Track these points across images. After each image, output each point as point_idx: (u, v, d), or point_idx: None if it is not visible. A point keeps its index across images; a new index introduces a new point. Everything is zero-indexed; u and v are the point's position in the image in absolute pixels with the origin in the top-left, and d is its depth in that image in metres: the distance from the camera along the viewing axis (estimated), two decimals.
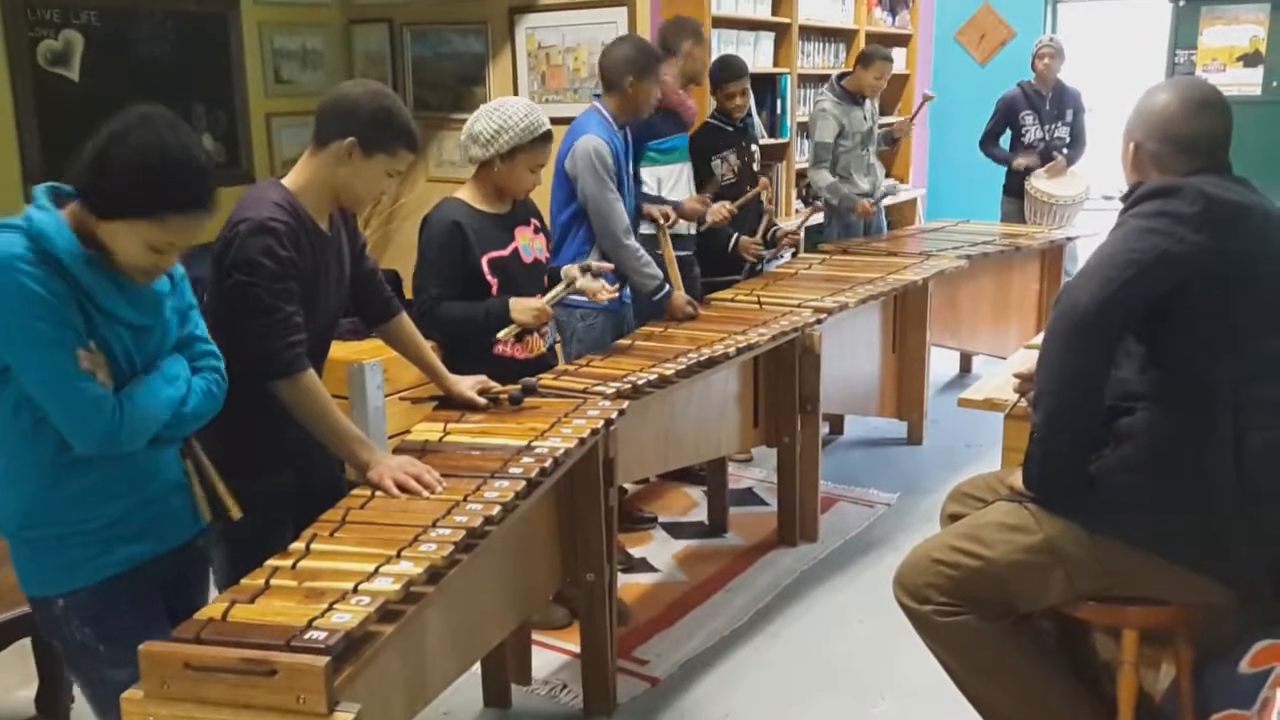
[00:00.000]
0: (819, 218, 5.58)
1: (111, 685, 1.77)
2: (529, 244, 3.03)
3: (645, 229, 3.85)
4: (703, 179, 4.35)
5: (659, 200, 3.94)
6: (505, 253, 2.95)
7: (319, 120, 2.25)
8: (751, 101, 4.76)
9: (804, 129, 6.02)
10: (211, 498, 2.01)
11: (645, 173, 4.02)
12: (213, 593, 2.14)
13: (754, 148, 4.65)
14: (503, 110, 2.89)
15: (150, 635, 1.66)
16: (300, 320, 2.18)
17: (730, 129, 4.49)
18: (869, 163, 5.32)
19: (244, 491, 2.08)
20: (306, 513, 2.10)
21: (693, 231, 4.19)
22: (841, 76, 5.29)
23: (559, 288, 3.03)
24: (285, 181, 2.26)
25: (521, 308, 2.86)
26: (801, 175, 6.13)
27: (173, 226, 1.74)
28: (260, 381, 2.15)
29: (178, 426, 1.87)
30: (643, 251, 3.59)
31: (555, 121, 3.55)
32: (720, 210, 4.13)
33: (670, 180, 4.09)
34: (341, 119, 2.21)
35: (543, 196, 3.35)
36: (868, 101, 5.30)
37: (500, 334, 2.86)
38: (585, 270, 3.07)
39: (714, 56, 4.55)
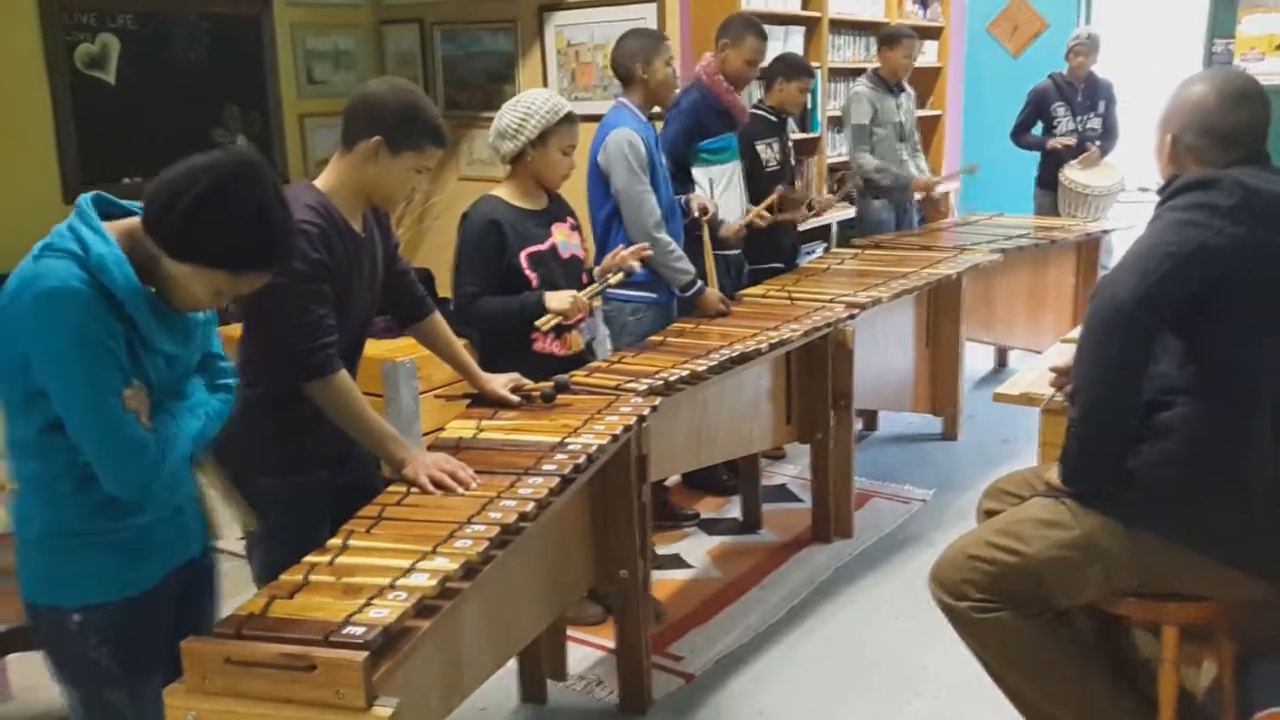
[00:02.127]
0: (850, 211, 5.56)
1: (110, 708, 1.77)
2: (566, 240, 3.05)
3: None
4: (759, 193, 4.34)
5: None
6: (544, 247, 2.97)
7: (346, 121, 2.26)
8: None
9: (835, 123, 6.00)
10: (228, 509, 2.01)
11: (697, 173, 4.02)
12: (251, 589, 2.16)
13: (790, 142, 4.67)
14: (524, 101, 2.92)
15: (161, 662, 1.65)
16: (332, 322, 2.19)
17: (774, 120, 4.50)
18: (903, 158, 5.29)
19: (281, 489, 2.09)
20: (343, 510, 2.11)
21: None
22: (876, 69, 5.29)
23: (597, 284, 3.06)
24: (317, 183, 2.28)
25: (557, 298, 2.88)
26: (833, 170, 6.11)
27: (246, 280, 1.73)
28: (293, 383, 2.17)
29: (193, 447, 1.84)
30: (674, 245, 3.60)
31: (585, 119, 3.57)
32: (757, 219, 4.15)
33: (722, 181, 4.09)
34: (368, 119, 2.22)
35: (578, 196, 3.37)
36: (904, 95, 5.28)
37: (538, 322, 2.87)
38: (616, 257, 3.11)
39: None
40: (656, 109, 3.76)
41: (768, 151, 4.45)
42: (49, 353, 1.61)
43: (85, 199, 1.70)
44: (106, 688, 1.78)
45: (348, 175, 2.25)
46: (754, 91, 4.95)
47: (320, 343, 2.16)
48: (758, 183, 4.38)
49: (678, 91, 3.85)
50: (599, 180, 3.54)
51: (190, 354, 1.84)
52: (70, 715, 1.85)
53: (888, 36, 5.23)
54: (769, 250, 4.43)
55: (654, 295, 3.62)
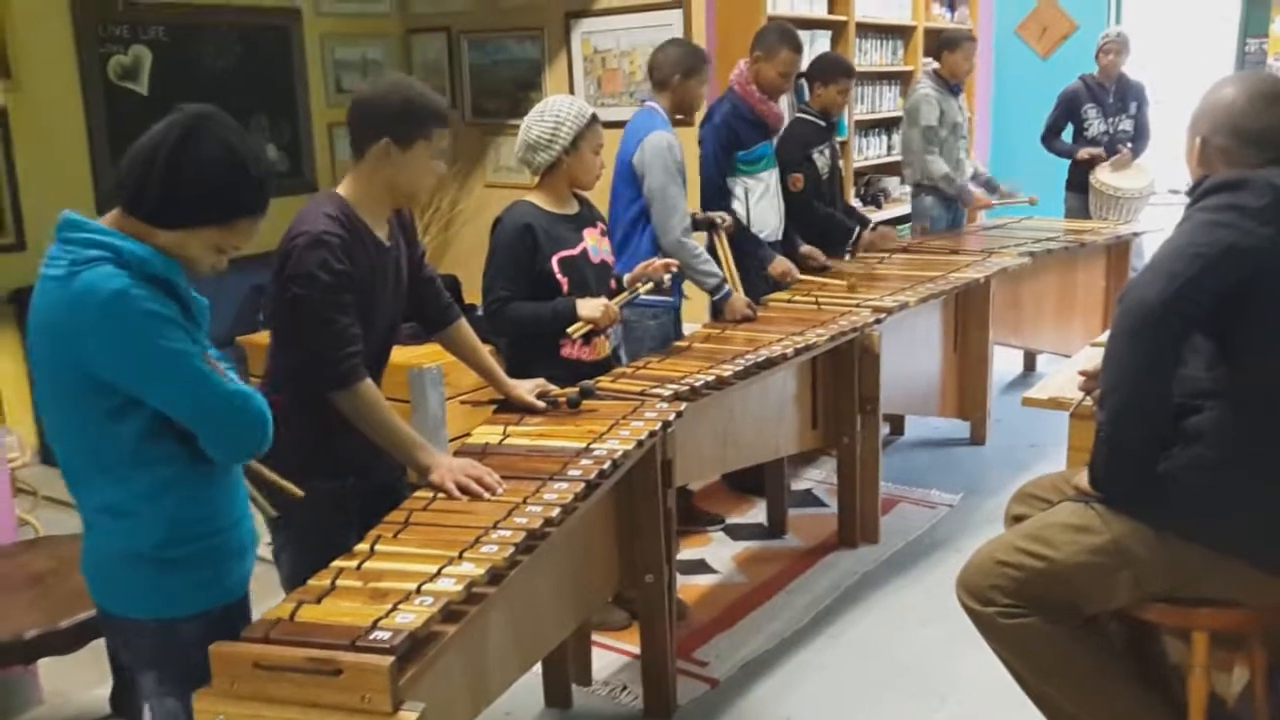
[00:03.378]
0: (886, 213, 5.55)
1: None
2: (597, 245, 3.07)
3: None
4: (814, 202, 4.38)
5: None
6: (575, 252, 2.98)
7: (351, 132, 2.28)
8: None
9: (862, 128, 5.98)
10: (269, 491, 2.04)
11: (734, 183, 4.02)
12: (279, 594, 2.18)
13: (838, 145, 4.67)
14: (550, 110, 2.94)
15: None
16: (357, 332, 2.21)
17: (823, 124, 4.48)
18: (959, 158, 5.28)
19: (310, 494, 2.11)
20: (368, 515, 2.14)
21: (779, 236, 4.20)
22: (936, 69, 5.29)
23: (627, 293, 3.08)
24: (340, 191, 2.30)
25: (589, 305, 2.90)
26: (860, 174, 6.10)
27: (241, 230, 1.75)
28: (319, 392, 2.20)
29: None
30: (700, 249, 3.62)
31: (611, 125, 3.58)
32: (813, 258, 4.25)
33: (758, 190, 4.08)
34: (369, 123, 2.24)
35: (601, 200, 3.39)
36: (961, 95, 5.29)
37: (570, 329, 2.89)
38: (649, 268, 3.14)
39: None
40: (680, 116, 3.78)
41: (821, 159, 4.44)
42: (135, 351, 1.64)
43: (65, 215, 1.70)
44: (191, 694, 1.77)
45: (366, 182, 2.28)
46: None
47: (346, 352, 2.18)
48: (815, 195, 4.37)
49: (708, 105, 3.87)
50: (630, 181, 3.55)
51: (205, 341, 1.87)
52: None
53: (948, 40, 5.25)
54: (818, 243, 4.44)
55: (671, 300, 3.65)
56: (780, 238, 4.21)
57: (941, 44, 5.29)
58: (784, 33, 4.03)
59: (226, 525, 1.82)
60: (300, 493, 2.09)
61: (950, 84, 5.22)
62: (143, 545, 1.75)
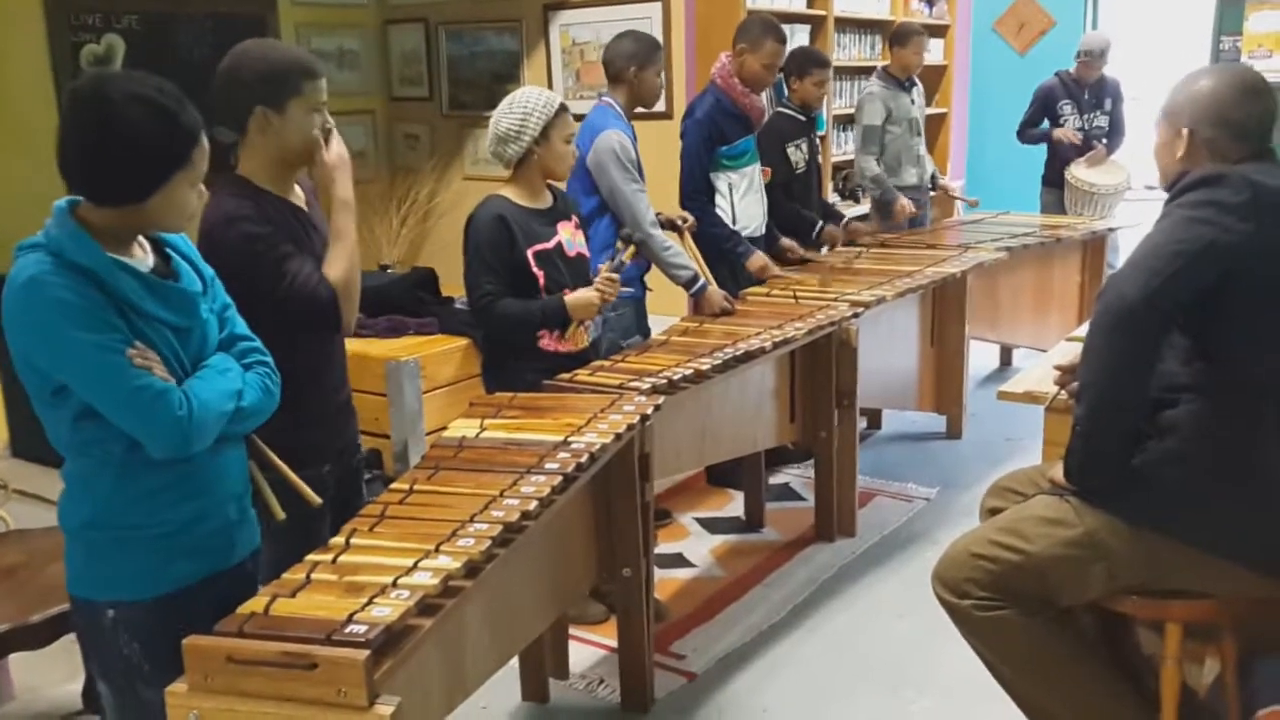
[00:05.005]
0: (864, 207, 5.55)
1: (145, 706, 1.77)
2: (571, 238, 3.06)
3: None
4: (789, 198, 4.37)
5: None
6: (549, 245, 2.98)
7: (222, 114, 2.23)
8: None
9: (840, 122, 5.99)
10: (282, 491, 2.01)
11: (717, 179, 4.01)
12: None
13: (817, 140, 4.66)
14: (518, 102, 2.94)
15: None
16: (312, 268, 2.18)
17: (802, 119, 4.48)
18: (918, 154, 5.28)
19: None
20: (340, 504, 2.16)
21: (762, 231, 4.20)
22: (886, 66, 5.27)
23: (606, 267, 3.09)
24: (238, 172, 2.25)
25: (579, 304, 2.93)
26: (839, 169, 6.11)
27: (199, 157, 1.73)
28: (322, 328, 2.20)
29: (238, 423, 1.84)
30: (671, 243, 3.63)
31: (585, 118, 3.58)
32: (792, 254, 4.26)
33: (742, 185, 4.07)
34: (237, 99, 2.19)
35: None
36: (916, 89, 5.27)
37: (566, 334, 2.98)
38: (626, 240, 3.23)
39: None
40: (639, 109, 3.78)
41: (796, 154, 4.44)
42: (45, 338, 1.65)
43: (60, 203, 1.72)
44: (139, 684, 1.80)
45: (259, 154, 2.23)
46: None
47: (317, 284, 2.15)
48: (787, 188, 4.38)
49: (690, 99, 3.86)
50: (584, 177, 3.56)
51: (203, 325, 1.83)
52: (105, 709, 1.88)
53: (897, 34, 5.22)
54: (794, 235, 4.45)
55: (632, 291, 3.65)
56: (763, 233, 4.21)
57: (891, 39, 5.26)
58: (767, 24, 4.02)
59: (167, 520, 1.78)
60: (318, 500, 2.06)
61: (901, 80, 5.20)
62: (71, 522, 1.79)
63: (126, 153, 1.66)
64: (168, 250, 1.83)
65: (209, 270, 1.91)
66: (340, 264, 2.19)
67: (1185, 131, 2.11)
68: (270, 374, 1.92)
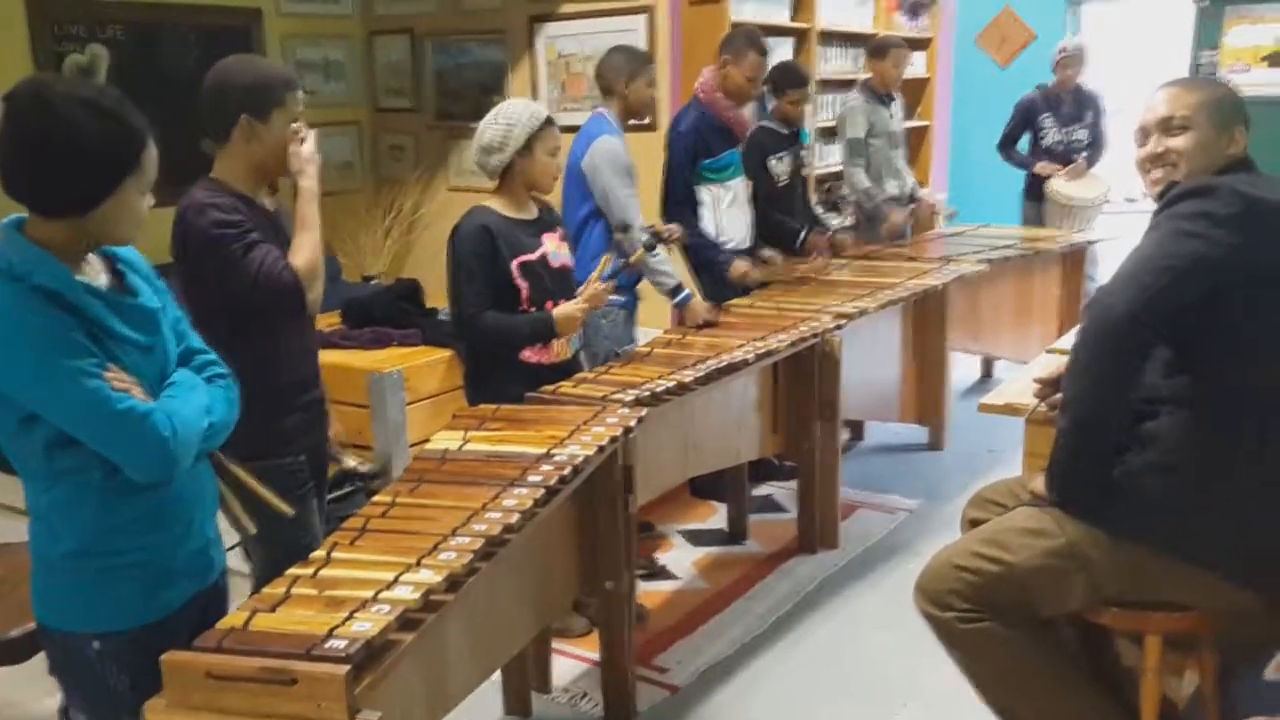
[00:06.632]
0: (848, 219, 5.57)
1: None
2: (556, 249, 3.07)
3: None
4: (771, 211, 4.39)
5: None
6: (534, 256, 2.98)
7: (208, 122, 2.31)
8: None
9: (824, 134, 6.01)
10: (254, 505, 1.99)
11: (701, 191, 4.03)
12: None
13: (803, 153, 4.69)
14: (503, 114, 2.95)
15: None
16: (278, 252, 2.25)
17: (784, 133, 4.51)
18: (898, 166, 5.31)
19: (264, 474, 2.08)
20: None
21: (747, 244, 4.21)
22: (867, 80, 5.30)
23: (598, 272, 3.09)
24: (212, 175, 2.34)
25: (564, 318, 2.94)
26: (822, 181, 6.12)
27: (148, 161, 1.68)
28: (287, 312, 2.26)
29: (209, 440, 1.79)
30: (659, 250, 3.63)
31: (573, 130, 3.59)
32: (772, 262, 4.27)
33: (725, 198, 4.09)
34: (223, 107, 2.28)
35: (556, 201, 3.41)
36: (895, 103, 5.30)
37: (556, 346, 3.00)
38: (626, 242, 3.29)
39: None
40: (632, 121, 3.83)
41: (779, 166, 4.45)
42: (13, 366, 1.58)
43: (6, 222, 1.66)
44: (123, 714, 1.73)
45: (235, 161, 2.32)
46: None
47: (282, 269, 2.23)
48: (770, 200, 4.39)
49: (673, 112, 3.89)
50: (579, 183, 3.59)
51: (164, 342, 1.78)
52: None
53: (876, 48, 5.25)
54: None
55: (623, 299, 3.67)
56: (747, 246, 4.22)
57: (870, 51, 5.30)
58: (750, 37, 4.05)
59: (151, 545, 1.74)
60: (290, 510, 2.06)
61: (881, 94, 5.23)
62: (52, 553, 1.72)
63: (74, 157, 1.59)
64: (119, 266, 1.77)
65: (161, 284, 1.85)
66: (306, 251, 2.28)
67: (1239, 132, 2.12)
68: (230, 386, 1.88)
